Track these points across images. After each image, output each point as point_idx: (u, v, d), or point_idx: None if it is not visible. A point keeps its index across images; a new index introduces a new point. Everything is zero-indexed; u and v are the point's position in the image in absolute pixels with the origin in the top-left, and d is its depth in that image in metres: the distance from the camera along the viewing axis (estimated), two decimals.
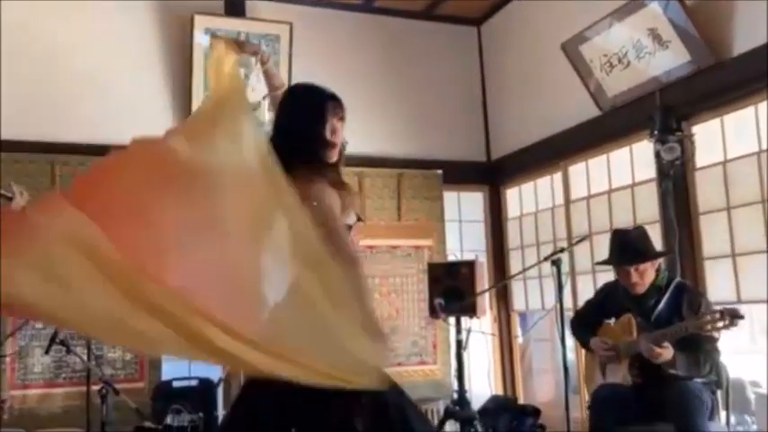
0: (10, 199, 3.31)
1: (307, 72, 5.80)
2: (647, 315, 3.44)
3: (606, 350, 3.57)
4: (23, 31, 5.26)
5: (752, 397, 5.37)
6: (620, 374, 3.48)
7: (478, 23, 6.72)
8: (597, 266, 5.13)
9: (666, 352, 3.20)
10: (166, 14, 5.70)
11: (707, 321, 3.16)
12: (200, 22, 5.57)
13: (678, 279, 3.63)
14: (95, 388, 4.17)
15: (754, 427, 5.10)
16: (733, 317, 3.11)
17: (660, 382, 3.31)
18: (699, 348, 3.25)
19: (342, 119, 2.32)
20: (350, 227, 2.24)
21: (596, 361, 3.75)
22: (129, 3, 5.59)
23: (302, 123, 2.28)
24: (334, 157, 2.28)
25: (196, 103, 5.55)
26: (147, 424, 4.12)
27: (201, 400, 4.70)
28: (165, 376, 5.18)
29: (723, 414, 3.58)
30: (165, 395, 4.76)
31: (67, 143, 5.24)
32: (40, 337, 4.82)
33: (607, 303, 3.70)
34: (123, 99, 5.48)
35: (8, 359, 4.82)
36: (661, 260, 3.61)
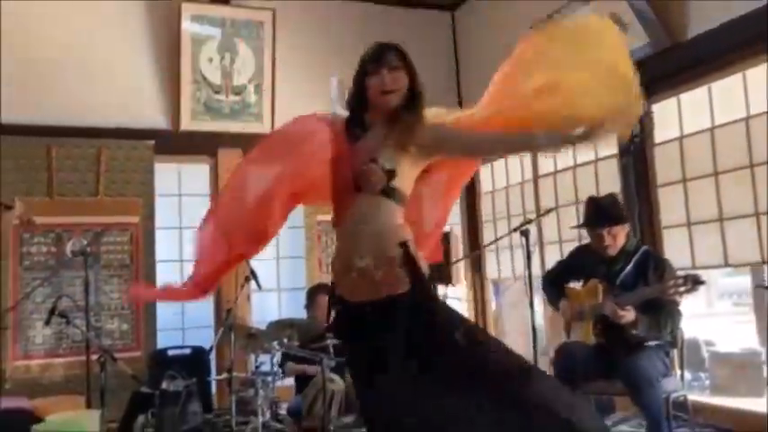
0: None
1: (289, 56, 5.79)
2: (613, 279, 3.50)
3: (572, 314, 3.64)
4: (17, 18, 5.18)
5: (706, 355, 5.51)
6: (583, 334, 3.55)
7: (452, 9, 6.70)
8: (564, 236, 5.21)
9: (629, 314, 3.26)
10: (155, 2, 5.63)
11: (671, 286, 3.23)
12: (188, 9, 5.52)
13: (645, 247, 3.69)
14: (94, 357, 4.18)
15: (707, 382, 5.23)
16: (695, 282, 3.18)
17: (620, 343, 3.38)
18: (661, 311, 3.32)
19: (387, 68, 2.22)
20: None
21: (562, 322, 3.81)
22: None
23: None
24: (385, 103, 2.22)
25: (185, 88, 5.53)
26: (144, 389, 4.15)
27: (195, 366, 4.74)
28: (160, 345, 5.21)
29: (678, 371, 3.67)
30: (161, 363, 4.79)
31: (62, 126, 5.19)
32: (40, 310, 4.82)
33: (578, 265, 3.75)
34: (115, 84, 5.44)
35: (10, 332, 4.82)
36: (629, 228, 3.67)
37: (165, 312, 5.44)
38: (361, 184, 2.13)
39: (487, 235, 6.40)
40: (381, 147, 2.17)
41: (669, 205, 4.54)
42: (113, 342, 5.05)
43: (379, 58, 2.23)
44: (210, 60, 5.60)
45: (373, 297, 2.10)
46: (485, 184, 6.55)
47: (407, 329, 2.04)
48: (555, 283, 3.84)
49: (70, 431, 3.70)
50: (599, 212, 3.60)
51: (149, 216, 5.39)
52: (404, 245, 2.12)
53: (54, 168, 5.14)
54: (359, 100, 2.26)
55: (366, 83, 2.23)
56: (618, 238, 3.54)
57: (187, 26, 5.53)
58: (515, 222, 5.54)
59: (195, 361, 4.90)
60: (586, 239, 3.96)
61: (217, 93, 5.64)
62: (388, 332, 2.05)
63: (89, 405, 4.28)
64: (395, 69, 2.22)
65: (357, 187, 2.14)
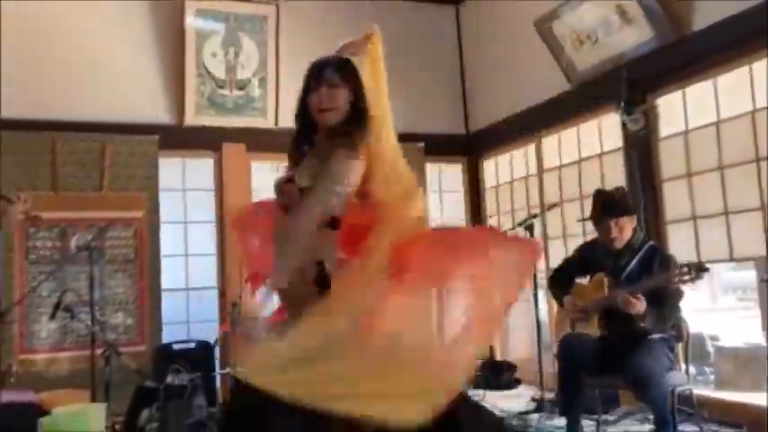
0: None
1: (293, 51, 5.78)
2: (619, 273, 3.50)
3: (576, 311, 3.63)
4: (22, 13, 5.19)
5: (711, 350, 5.49)
6: (588, 326, 3.54)
7: (457, 2, 6.69)
8: (568, 230, 5.20)
9: (641, 304, 3.25)
10: None
11: (675, 274, 3.22)
12: (192, 4, 5.51)
13: (651, 242, 3.68)
14: (99, 351, 4.19)
15: (712, 377, 5.22)
16: (699, 270, 3.18)
17: (624, 336, 3.37)
18: (664, 304, 3.31)
19: (326, 85, 2.20)
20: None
21: (567, 317, 3.80)
22: None
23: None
24: (323, 121, 2.20)
25: (189, 83, 5.52)
26: (149, 383, 4.15)
27: (199, 360, 4.74)
28: (165, 340, 5.22)
29: (683, 366, 3.66)
30: (166, 357, 4.79)
31: (67, 121, 5.20)
32: (45, 304, 4.83)
33: (584, 261, 3.74)
34: (119, 79, 5.44)
35: (16, 326, 4.83)
36: (635, 222, 3.66)
37: (170, 306, 5.45)
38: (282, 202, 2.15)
39: None
40: (317, 165, 2.16)
41: (674, 199, 4.52)
42: (118, 336, 5.06)
43: (318, 75, 2.23)
44: (214, 55, 5.59)
45: None
46: (489, 179, 6.55)
47: None
48: (561, 280, 3.83)
49: (76, 424, 3.71)
50: (606, 204, 3.60)
51: (154, 210, 5.39)
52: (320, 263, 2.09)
53: (58, 163, 5.15)
54: (303, 118, 2.26)
55: (308, 101, 2.22)
56: (625, 230, 3.53)
57: (191, 21, 5.52)
58: (519, 217, 5.54)
59: (200, 355, 4.90)
60: (591, 235, 3.95)
61: (221, 87, 5.63)
62: None
63: (94, 399, 4.28)
64: (334, 87, 2.21)
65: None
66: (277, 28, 5.69)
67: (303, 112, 2.24)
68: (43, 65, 5.22)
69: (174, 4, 5.56)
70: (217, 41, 5.60)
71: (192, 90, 5.55)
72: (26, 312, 4.90)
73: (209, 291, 5.68)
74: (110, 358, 3.97)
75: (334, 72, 2.24)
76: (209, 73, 5.59)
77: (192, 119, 5.56)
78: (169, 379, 4.05)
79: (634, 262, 3.51)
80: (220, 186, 5.72)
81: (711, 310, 6.64)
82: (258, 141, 5.67)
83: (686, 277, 3.19)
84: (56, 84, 5.24)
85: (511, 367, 5.85)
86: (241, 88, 5.67)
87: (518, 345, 6.39)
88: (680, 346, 3.74)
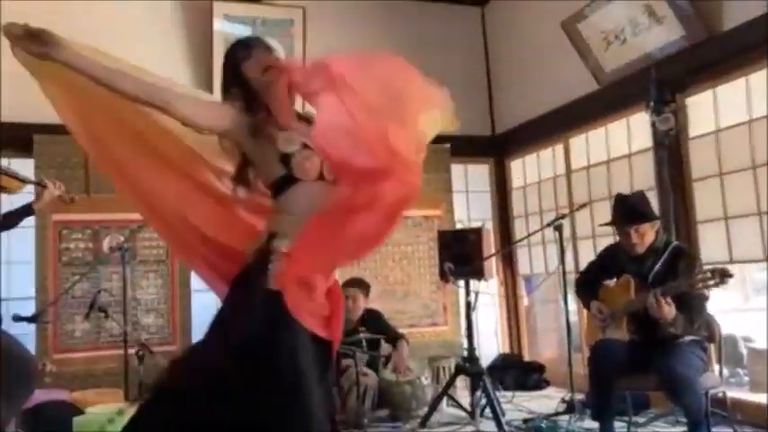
0: (45, 186, 3.39)
1: (319, 53, 5.81)
2: (645, 276, 3.47)
3: (601, 318, 3.61)
4: (51, 20, 5.28)
5: (744, 351, 5.42)
6: (617, 330, 3.52)
7: (482, 4, 6.68)
8: (597, 231, 5.16)
9: (670, 309, 3.23)
10: (187, 3, 5.71)
11: (699, 279, 3.19)
12: (219, 9, 5.58)
13: (675, 242, 3.65)
14: (132, 351, 4.26)
15: (746, 378, 5.15)
16: (723, 275, 3.14)
17: (655, 339, 3.35)
18: (689, 307, 3.28)
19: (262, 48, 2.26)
20: (290, 155, 2.11)
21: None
22: None
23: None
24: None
25: (217, 88, 5.56)
26: None
27: None
28: (195, 339, 5.28)
29: (717, 367, 3.62)
30: None
31: None
32: (79, 305, 4.92)
33: (608, 264, 3.73)
34: None
35: (50, 326, 4.92)
36: (659, 224, 3.63)
37: (199, 307, 5.51)
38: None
39: (519, 231, 6.38)
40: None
41: (705, 199, 4.48)
42: (150, 336, 5.13)
43: (247, 44, 2.29)
44: None
45: None
46: (516, 180, 6.53)
47: None
48: (587, 285, 3.81)
49: (110, 424, 3.77)
50: (626, 210, 3.57)
51: None
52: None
53: (90, 166, 5.23)
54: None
55: (243, 69, 2.23)
56: (645, 236, 3.50)
57: (219, 25, 5.58)
58: (547, 218, 5.51)
59: None
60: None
61: None
62: None
63: (127, 398, 4.35)
64: (267, 50, 2.27)
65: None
66: (304, 31, 5.73)
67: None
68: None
69: (202, 9, 5.63)
70: None
71: (220, 93, 5.60)
72: (60, 313, 4.99)
73: None
74: (143, 358, 4.03)
75: (265, 45, 2.32)
76: None
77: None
78: None
79: (659, 264, 3.48)
80: None
81: (744, 311, 6.54)
82: None
83: (710, 282, 3.15)
84: None
85: (539, 368, 5.83)
86: None
87: (546, 346, 6.36)
88: (712, 348, 3.71)
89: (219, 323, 2.05)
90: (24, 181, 3.35)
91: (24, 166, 4.98)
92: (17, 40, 2.03)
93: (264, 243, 2.06)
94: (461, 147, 6.33)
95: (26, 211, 3.34)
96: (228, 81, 2.29)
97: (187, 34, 5.71)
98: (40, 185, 3.43)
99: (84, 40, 5.30)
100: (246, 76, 2.22)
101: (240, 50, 2.26)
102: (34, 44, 2.03)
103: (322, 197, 2.06)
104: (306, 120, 2.24)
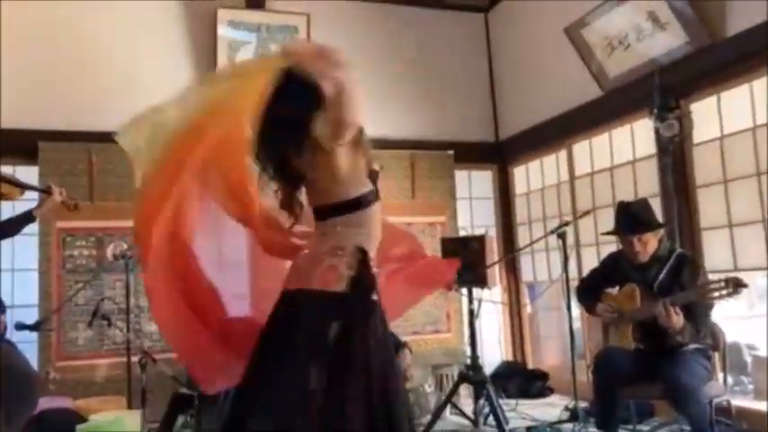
0: (48, 193, 3.38)
1: None
2: (649, 284, 3.45)
3: (611, 313, 3.59)
4: (59, 30, 5.31)
5: (748, 359, 5.39)
6: (622, 338, 3.51)
7: (485, 10, 6.68)
8: (601, 238, 5.15)
9: (679, 318, 3.21)
10: (191, 8, 5.72)
11: (711, 289, 3.17)
12: (224, 15, 5.60)
13: (679, 250, 3.63)
14: (135, 359, 4.25)
15: (750, 387, 5.12)
16: (737, 285, 3.11)
17: (660, 347, 3.33)
18: (696, 316, 3.27)
19: None
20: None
21: (600, 326, 3.77)
22: (156, 1, 5.64)
23: None
24: None
25: None
26: (184, 390, 4.20)
27: None
28: None
29: (721, 375, 3.60)
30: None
31: (102, 132, 5.28)
32: (82, 312, 4.92)
33: (611, 272, 3.71)
34: (153, 89, 5.46)
35: (54, 334, 4.92)
36: (663, 231, 3.61)
37: None
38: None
39: (522, 237, 6.36)
40: None
41: (709, 206, 4.46)
42: (153, 343, 5.11)
43: None
44: None
45: None
46: (519, 186, 6.52)
47: None
48: (589, 291, 3.79)
49: (113, 431, 3.77)
50: (629, 219, 3.55)
51: None
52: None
53: (94, 173, 5.24)
54: None
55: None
56: (648, 244, 3.48)
57: (223, 31, 5.60)
58: (551, 224, 5.51)
59: None
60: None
61: None
62: None
63: (130, 406, 4.35)
64: None
65: None
66: (308, 38, 5.74)
67: None
68: (78, 77, 5.32)
69: (206, 16, 5.65)
70: (249, 52, 5.66)
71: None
72: (63, 320, 4.99)
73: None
74: (146, 365, 4.02)
75: None
76: None
77: None
78: None
79: (663, 272, 3.46)
80: None
81: (748, 318, 6.51)
82: None
83: (723, 292, 3.13)
84: (91, 95, 5.33)
85: (543, 376, 5.80)
86: None
87: (550, 353, 6.34)
88: (716, 356, 3.68)
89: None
90: (25, 187, 3.34)
91: (29, 173, 5.00)
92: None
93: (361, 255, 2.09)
94: (465, 153, 6.34)
95: (27, 217, 3.33)
96: None
97: (191, 41, 5.72)
98: (41, 192, 3.42)
99: (91, 47, 5.32)
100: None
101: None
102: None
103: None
104: None
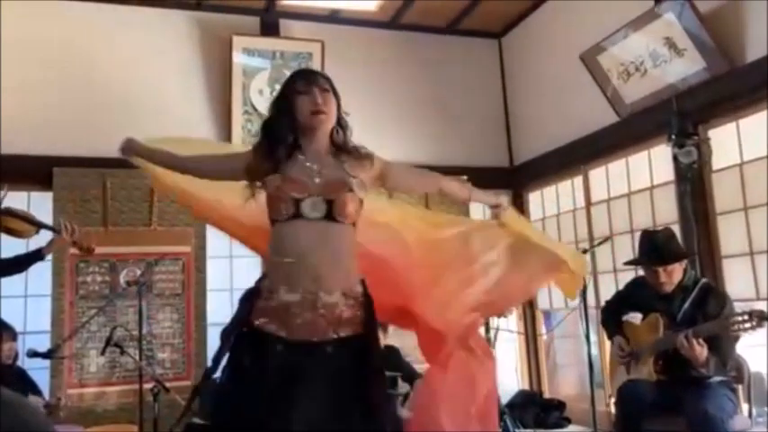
0: (57, 232, 3.35)
1: (338, 87, 5.83)
2: (674, 314, 3.38)
3: (622, 355, 3.52)
4: (73, 55, 5.35)
5: None
6: (644, 370, 3.42)
7: (499, 36, 6.69)
8: (618, 265, 5.07)
9: (703, 350, 3.13)
10: (206, 36, 5.76)
11: (735, 322, 3.10)
12: (239, 43, 5.63)
13: (704, 280, 3.55)
14: (147, 386, 4.20)
15: None
16: (761, 318, 3.03)
17: (685, 379, 3.25)
18: (720, 348, 3.19)
19: (318, 89, 2.14)
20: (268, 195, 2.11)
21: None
22: (171, 27, 5.69)
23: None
24: (316, 123, 2.13)
25: (236, 119, 5.61)
26: (197, 420, 4.14)
27: None
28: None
29: (745, 407, 3.51)
30: (212, 392, 4.77)
31: (117, 158, 5.29)
32: (95, 339, 4.90)
33: (635, 297, 3.63)
34: (168, 116, 5.53)
35: (66, 360, 4.89)
36: (686, 261, 3.54)
37: (214, 341, 5.45)
38: (336, 213, 2.04)
39: None
40: (345, 174, 2.12)
41: (729, 234, 4.39)
42: (165, 371, 5.08)
43: (309, 77, 2.18)
44: (261, 92, 5.68)
45: (327, 337, 2.00)
46: (534, 212, 6.46)
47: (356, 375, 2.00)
48: (612, 315, 3.72)
49: None
50: (654, 249, 3.47)
51: (201, 246, 5.44)
52: (363, 281, 2.09)
53: (108, 199, 5.25)
54: (290, 120, 2.13)
55: (295, 102, 2.12)
56: (674, 274, 3.41)
57: (238, 58, 5.63)
58: None
59: None
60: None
61: None
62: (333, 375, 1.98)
63: None
64: (325, 91, 2.16)
65: (298, 214, 2.04)
66: (322, 65, 5.74)
67: (289, 113, 2.13)
68: (92, 103, 5.35)
69: (221, 42, 5.69)
70: (263, 78, 5.69)
71: (239, 127, 5.63)
72: (75, 347, 4.96)
73: None
74: (158, 394, 3.97)
75: (324, 79, 2.21)
76: (255, 110, 5.68)
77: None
78: None
79: (688, 303, 3.38)
80: None
81: None
82: None
83: (746, 326, 3.06)
84: (105, 122, 5.34)
85: (560, 406, 5.70)
86: None
87: (566, 382, 6.24)
88: (739, 387, 3.59)
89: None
90: (39, 226, 3.32)
91: (43, 199, 5.02)
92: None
93: (255, 283, 2.12)
94: (479, 178, 6.23)
95: (36, 256, 3.31)
96: (275, 107, 2.21)
97: (206, 67, 5.75)
98: (53, 231, 3.38)
99: (103, 72, 5.37)
100: (294, 110, 2.14)
101: (300, 83, 2.17)
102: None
103: (300, 234, 2.04)
104: (347, 153, 2.19)
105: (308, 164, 2.11)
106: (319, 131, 2.15)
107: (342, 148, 2.18)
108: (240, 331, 2.08)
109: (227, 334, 2.11)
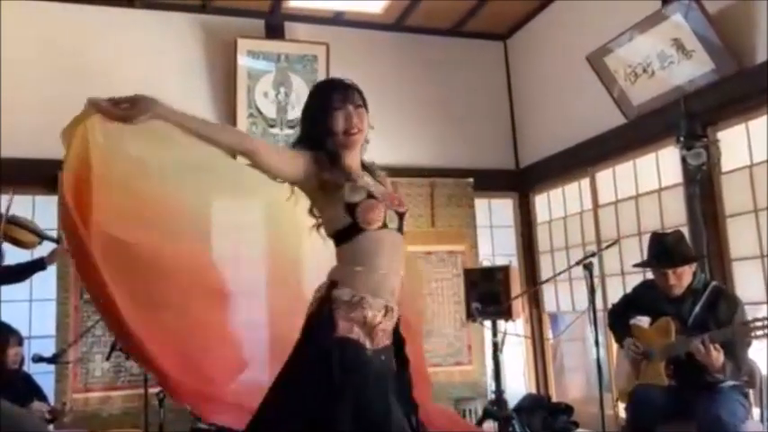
0: (58, 242, 3.35)
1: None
2: (684, 318, 3.34)
3: (637, 353, 3.49)
4: (78, 58, 5.34)
5: None
6: (655, 374, 3.39)
7: (504, 38, 6.66)
8: (626, 268, 5.04)
9: (720, 354, 3.10)
10: (211, 39, 5.75)
11: (751, 329, 3.07)
12: (243, 45, 5.61)
13: (714, 283, 3.51)
14: (153, 391, 4.19)
15: None
16: None
17: (695, 384, 3.22)
18: (735, 353, 3.15)
19: (353, 106, 2.11)
20: (355, 204, 2.05)
21: (629, 360, 3.66)
22: (176, 29, 5.69)
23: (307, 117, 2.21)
24: (351, 144, 2.12)
25: (241, 122, 5.59)
26: (201, 425, 4.12)
27: None
28: None
29: (756, 412, 3.48)
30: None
31: None
32: (100, 343, 4.88)
33: (643, 300, 3.60)
34: None
35: (71, 365, 4.87)
36: (696, 264, 3.51)
37: None
38: (403, 226, 2.14)
39: (544, 267, 6.26)
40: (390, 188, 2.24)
41: (739, 236, 4.35)
42: None
43: (344, 94, 2.12)
44: (266, 95, 5.66)
45: (385, 343, 2.08)
46: (541, 214, 6.43)
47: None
48: (620, 318, 3.69)
49: None
50: (664, 251, 3.44)
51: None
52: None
53: None
54: (332, 135, 2.10)
55: (330, 117, 2.09)
56: (684, 277, 3.38)
57: (243, 61, 5.61)
58: (574, 253, 5.42)
59: None
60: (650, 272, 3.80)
61: (272, 126, 5.69)
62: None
63: None
64: (359, 107, 2.13)
65: (384, 224, 2.08)
66: (327, 67, 5.74)
67: (327, 130, 2.09)
68: None
69: (226, 45, 5.67)
70: (268, 81, 5.67)
71: (244, 129, 5.60)
72: (80, 351, 4.95)
73: None
74: (163, 399, 3.96)
75: (358, 94, 2.16)
76: (260, 113, 5.66)
77: (243, 158, 5.60)
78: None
79: (699, 307, 3.35)
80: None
81: None
82: None
83: (759, 332, 3.03)
84: None
85: (567, 409, 5.66)
86: (291, 127, 5.71)
87: (573, 385, 6.20)
88: (750, 392, 3.56)
89: (291, 376, 2.02)
90: (43, 237, 3.32)
91: (48, 203, 5.00)
92: (106, 112, 2.07)
93: (326, 291, 2.04)
94: (485, 181, 6.28)
95: (39, 265, 3.31)
96: (310, 123, 2.16)
97: (211, 70, 5.74)
98: (56, 242, 3.39)
99: (107, 75, 5.36)
100: (331, 125, 2.10)
101: (336, 98, 2.11)
102: (128, 109, 2.07)
103: (385, 244, 2.06)
104: (369, 170, 2.22)
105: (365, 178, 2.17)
106: (353, 151, 2.18)
107: (364, 163, 2.25)
108: (327, 343, 1.99)
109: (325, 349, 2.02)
